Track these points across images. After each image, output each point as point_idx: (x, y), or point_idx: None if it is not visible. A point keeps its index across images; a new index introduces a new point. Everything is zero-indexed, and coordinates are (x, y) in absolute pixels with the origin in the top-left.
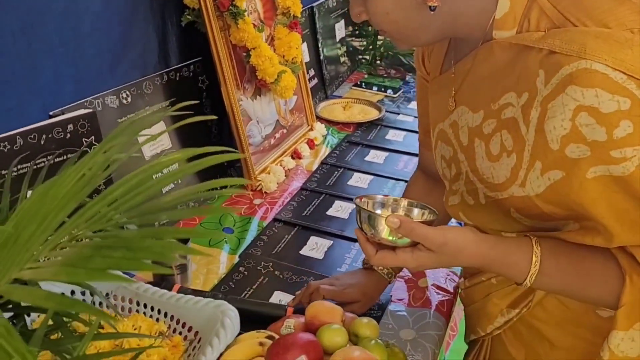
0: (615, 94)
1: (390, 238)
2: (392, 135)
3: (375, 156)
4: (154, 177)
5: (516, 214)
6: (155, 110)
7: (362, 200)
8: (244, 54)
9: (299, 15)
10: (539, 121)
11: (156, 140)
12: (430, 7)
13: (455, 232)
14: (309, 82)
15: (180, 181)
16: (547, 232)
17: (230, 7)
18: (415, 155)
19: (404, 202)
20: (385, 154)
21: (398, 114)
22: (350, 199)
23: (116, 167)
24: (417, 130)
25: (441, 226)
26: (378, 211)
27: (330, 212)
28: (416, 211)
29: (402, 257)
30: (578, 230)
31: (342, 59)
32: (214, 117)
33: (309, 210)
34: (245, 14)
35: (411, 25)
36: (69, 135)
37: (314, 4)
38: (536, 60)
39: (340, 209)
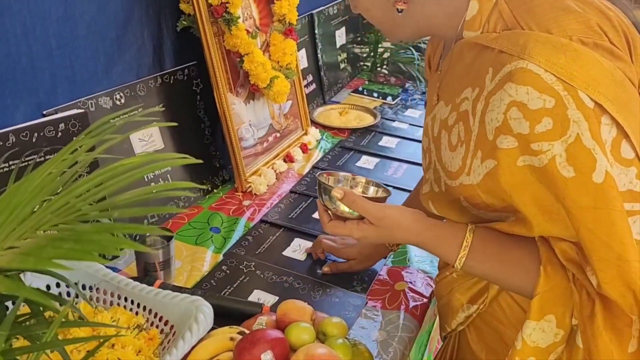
0: (543, 93)
1: (345, 210)
2: (386, 141)
3: (366, 162)
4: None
5: (465, 202)
6: (147, 111)
7: (325, 176)
8: (238, 59)
9: (295, 23)
10: (482, 113)
11: (149, 140)
12: (397, 9)
13: (395, 208)
14: (307, 88)
15: (170, 179)
16: (490, 222)
17: (224, 14)
18: (406, 161)
19: (362, 180)
20: (376, 159)
21: (394, 120)
22: None
23: (84, 164)
24: (410, 137)
25: (384, 203)
26: (336, 186)
27: (316, 215)
28: (372, 189)
29: (349, 226)
30: (511, 222)
31: (342, 65)
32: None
33: (295, 212)
34: (239, 20)
35: (388, 22)
36: (60, 134)
37: (314, 11)
38: (489, 58)
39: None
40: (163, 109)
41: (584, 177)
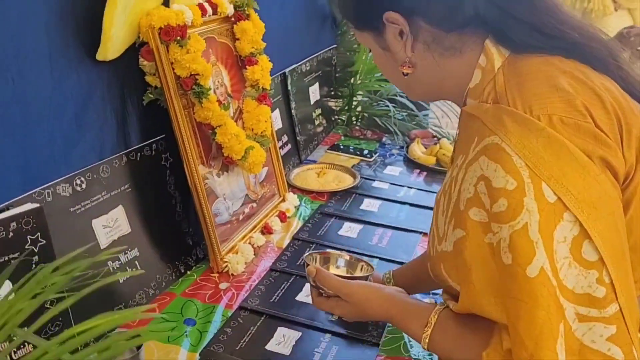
0: (508, 174)
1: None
2: (367, 204)
3: (349, 229)
4: None
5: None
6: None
7: (314, 255)
8: (210, 131)
9: (268, 88)
10: (461, 181)
11: (114, 225)
12: (403, 73)
13: (362, 286)
14: (282, 149)
15: (139, 266)
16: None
17: (194, 87)
18: (390, 227)
19: (347, 256)
20: (359, 226)
21: (374, 180)
22: None
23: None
24: (391, 199)
25: (354, 281)
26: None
27: (299, 297)
28: (358, 265)
29: (331, 303)
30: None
31: (317, 121)
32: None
33: (277, 295)
34: (210, 92)
35: (399, 83)
36: (11, 234)
37: (286, 70)
38: (476, 128)
39: (310, 293)
40: (129, 189)
41: (518, 267)
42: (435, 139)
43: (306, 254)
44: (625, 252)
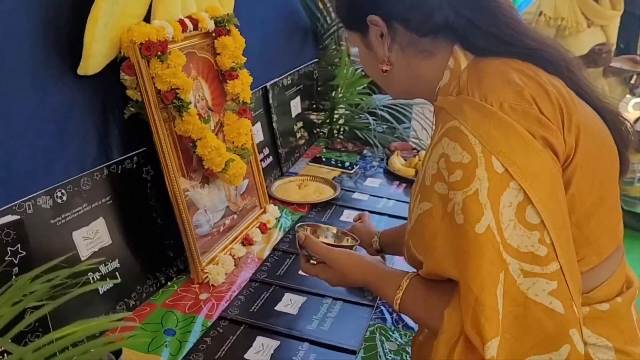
0: (464, 150)
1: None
2: (347, 216)
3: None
4: None
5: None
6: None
7: (305, 227)
8: (190, 144)
9: (249, 102)
10: (427, 161)
11: (94, 237)
12: (382, 70)
13: (344, 253)
14: (264, 162)
15: (119, 277)
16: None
17: (174, 101)
18: None
19: (334, 230)
20: None
21: (354, 191)
22: (300, 291)
23: None
24: (371, 210)
25: (338, 248)
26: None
27: (279, 307)
28: (344, 238)
29: (316, 269)
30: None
31: (298, 134)
32: None
33: (257, 305)
34: (190, 106)
35: (379, 79)
36: None
37: (268, 83)
38: (442, 117)
39: (289, 303)
40: (110, 201)
41: (469, 225)
42: (415, 151)
43: (298, 224)
44: (565, 220)
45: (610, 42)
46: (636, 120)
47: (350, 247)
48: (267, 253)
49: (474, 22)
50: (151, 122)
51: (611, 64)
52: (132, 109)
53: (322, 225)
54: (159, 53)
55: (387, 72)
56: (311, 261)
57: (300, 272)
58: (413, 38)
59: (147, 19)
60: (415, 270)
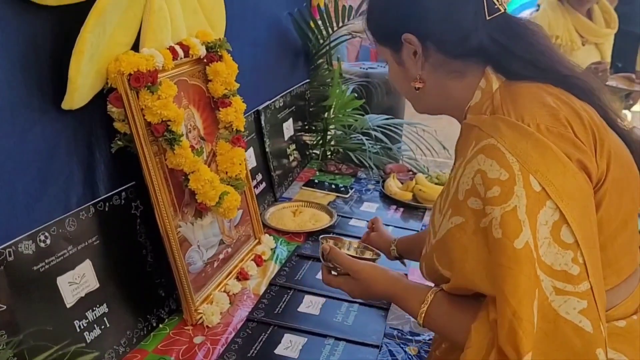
0: (502, 167)
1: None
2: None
3: None
4: None
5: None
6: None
7: (328, 240)
8: (182, 177)
9: (242, 130)
10: (459, 177)
11: (81, 282)
12: (415, 87)
13: (369, 264)
14: (257, 188)
15: (107, 323)
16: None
17: (165, 133)
18: None
19: (356, 244)
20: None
21: (351, 217)
22: (301, 331)
23: None
24: None
25: (364, 261)
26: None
27: (278, 350)
28: (366, 252)
29: (339, 280)
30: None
31: (291, 157)
32: None
33: (255, 349)
34: (182, 138)
35: (409, 96)
36: None
37: (260, 107)
38: (475, 135)
39: (290, 345)
40: (97, 242)
41: (507, 240)
42: (411, 173)
43: (321, 237)
44: (595, 241)
45: (605, 60)
46: None
47: (373, 261)
48: (263, 288)
49: (509, 49)
50: (141, 156)
51: (607, 83)
52: (119, 142)
53: (344, 238)
54: (149, 84)
55: (419, 90)
56: (333, 272)
57: (298, 309)
58: (445, 59)
59: (136, 47)
60: (434, 285)
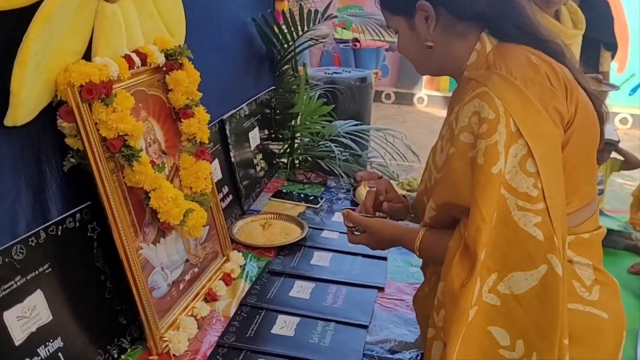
0: (491, 109)
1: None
2: (318, 258)
3: (300, 289)
4: None
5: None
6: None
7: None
8: (143, 195)
9: (207, 141)
10: (458, 116)
11: (31, 315)
12: (428, 46)
13: (376, 220)
14: (223, 201)
15: (62, 357)
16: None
17: (123, 149)
18: (345, 283)
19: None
20: (311, 285)
21: (322, 229)
22: (275, 355)
23: None
24: (342, 250)
25: (373, 218)
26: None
27: None
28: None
29: (359, 237)
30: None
31: (258, 167)
32: None
33: None
34: (141, 153)
35: (418, 57)
36: None
37: (224, 116)
38: (472, 85)
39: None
40: (49, 269)
41: (487, 166)
42: (382, 180)
43: (342, 209)
44: (558, 174)
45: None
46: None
47: (384, 217)
48: (233, 309)
49: (504, 14)
50: (95, 175)
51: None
52: (72, 159)
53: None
54: (103, 96)
55: (431, 48)
56: (355, 232)
57: (271, 331)
58: (453, 21)
59: (88, 55)
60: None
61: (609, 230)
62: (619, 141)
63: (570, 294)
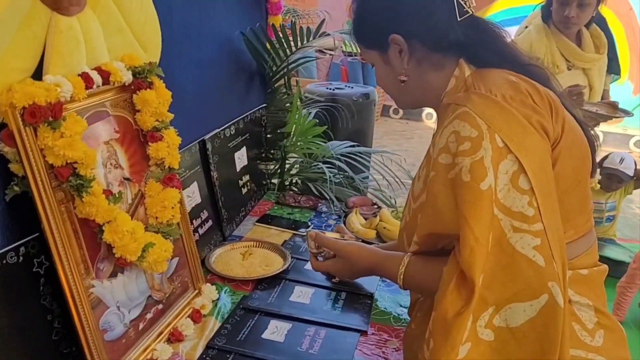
0: (473, 127)
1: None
2: (298, 294)
3: (275, 330)
4: None
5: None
6: None
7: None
8: (96, 228)
9: (177, 167)
10: (434, 141)
11: None
12: (400, 80)
13: (351, 243)
14: (201, 227)
15: None
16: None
17: (71, 178)
18: (324, 325)
19: (338, 235)
20: (287, 325)
21: (306, 260)
22: None
23: None
24: (325, 285)
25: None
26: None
27: None
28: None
29: (327, 264)
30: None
31: (244, 189)
32: None
33: None
34: (93, 183)
35: (394, 91)
36: None
37: (206, 136)
38: (450, 109)
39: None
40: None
41: (475, 183)
42: (376, 207)
43: (307, 230)
44: (551, 190)
45: (593, 85)
46: (604, 159)
47: (354, 239)
48: (199, 352)
49: (479, 42)
50: (38, 205)
51: (586, 108)
52: (16, 187)
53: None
54: (50, 119)
55: (404, 82)
56: (319, 258)
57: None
58: (427, 53)
59: (40, 73)
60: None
61: (619, 262)
62: (634, 177)
63: (571, 338)
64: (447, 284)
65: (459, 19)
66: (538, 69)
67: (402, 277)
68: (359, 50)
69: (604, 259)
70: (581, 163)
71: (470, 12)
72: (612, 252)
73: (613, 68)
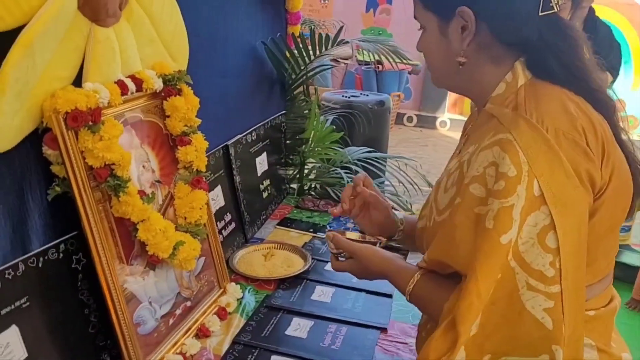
0: (512, 164)
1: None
2: (319, 293)
3: (297, 327)
4: None
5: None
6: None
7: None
8: (131, 227)
9: (204, 170)
10: (471, 163)
11: (4, 352)
12: (458, 62)
13: (367, 246)
14: (225, 229)
15: None
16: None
17: (109, 179)
18: (345, 322)
19: (357, 235)
20: (309, 322)
21: (327, 261)
22: None
23: None
24: (346, 285)
25: (362, 244)
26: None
27: None
28: (366, 238)
29: (344, 264)
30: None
31: (265, 193)
32: None
33: None
34: (129, 183)
35: (439, 67)
36: None
37: (229, 142)
38: (494, 125)
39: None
40: (27, 304)
41: (496, 233)
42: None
43: (327, 231)
44: (581, 249)
45: None
46: None
47: (374, 244)
48: (225, 347)
49: (552, 47)
50: (79, 204)
51: None
52: (57, 188)
53: (347, 231)
54: (90, 123)
55: (462, 65)
56: (339, 258)
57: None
58: (492, 42)
59: (79, 81)
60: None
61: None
62: None
63: None
64: (440, 324)
65: (540, 14)
66: (606, 98)
67: (409, 294)
68: (413, 6)
69: (619, 264)
70: (620, 208)
71: (555, 10)
72: (627, 258)
73: (609, 62)
